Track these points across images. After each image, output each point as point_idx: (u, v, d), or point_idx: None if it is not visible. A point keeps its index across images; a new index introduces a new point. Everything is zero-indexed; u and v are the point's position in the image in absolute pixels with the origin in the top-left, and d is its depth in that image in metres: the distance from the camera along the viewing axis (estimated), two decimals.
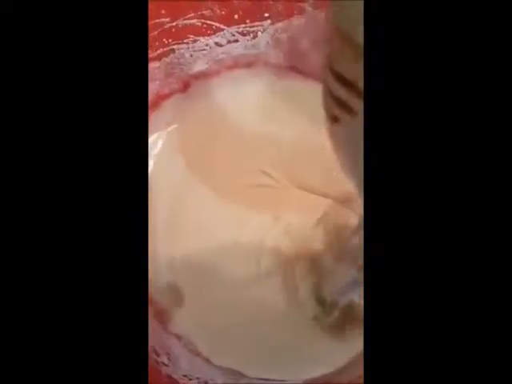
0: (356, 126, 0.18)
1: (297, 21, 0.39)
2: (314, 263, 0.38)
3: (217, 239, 0.39)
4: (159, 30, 0.38)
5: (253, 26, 0.39)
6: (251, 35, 0.40)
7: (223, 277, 0.38)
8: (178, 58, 0.40)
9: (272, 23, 0.39)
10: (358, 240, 0.32)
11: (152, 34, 0.37)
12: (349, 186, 0.24)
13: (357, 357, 0.37)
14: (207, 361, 0.36)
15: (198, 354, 0.37)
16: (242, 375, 0.36)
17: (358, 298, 0.35)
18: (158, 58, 0.39)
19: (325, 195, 0.39)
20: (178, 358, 0.35)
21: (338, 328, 0.37)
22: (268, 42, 0.40)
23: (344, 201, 0.38)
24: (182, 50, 0.39)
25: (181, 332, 0.37)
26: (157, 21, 0.37)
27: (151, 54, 0.38)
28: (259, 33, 0.40)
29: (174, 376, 0.34)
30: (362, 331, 0.18)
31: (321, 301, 0.37)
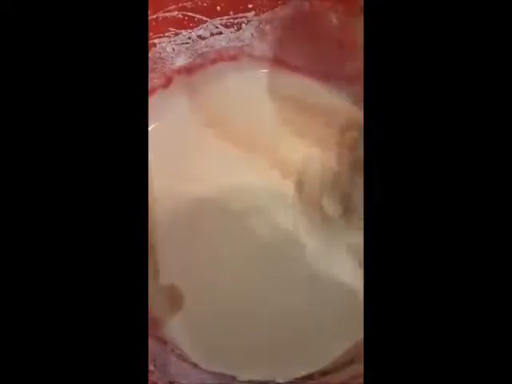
0: None
1: (281, 11, 0.37)
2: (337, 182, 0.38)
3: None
4: None
5: (236, 18, 0.38)
6: (235, 27, 0.38)
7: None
8: (160, 53, 0.38)
9: (256, 14, 0.38)
10: None
11: None
12: None
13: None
14: (195, 366, 0.35)
15: (185, 359, 0.35)
16: (232, 379, 0.35)
17: None
18: None
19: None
20: (165, 364, 0.34)
21: None
22: (252, 34, 0.39)
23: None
24: (164, 44, 0.38)
25: (167, 337, 0.36)
26: None
27: None
28: (243, 24, 0.38)
29: (159, 383, 0.32)
30: None
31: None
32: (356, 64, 0.33)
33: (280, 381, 0.35)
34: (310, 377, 0.36)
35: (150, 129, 0.39)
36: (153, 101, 0.40)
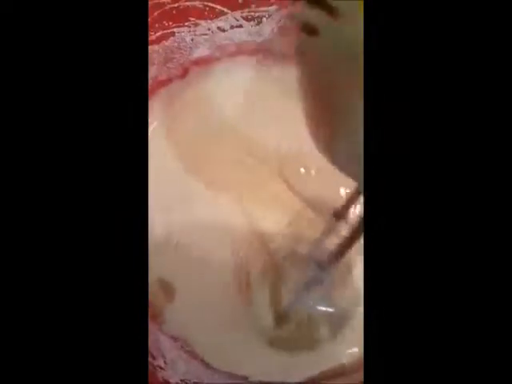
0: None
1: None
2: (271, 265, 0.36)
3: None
4: (159, 11, 0.35)
5: (258, 11, 0.37)
6: (255, 21, 0.38)
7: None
8: (179, 42, 0.38)
9: (277, 9, 0.37)
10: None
11: (152, 15, 0.35)
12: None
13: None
14: (205, 364, 0.34)
15: (195, 356, 0.34)
16: (242, 378, 0.34)
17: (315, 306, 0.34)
18: (158, 41, 0.37)
19: (298, 194, 0.37)
20: (175, 362, 0.33)
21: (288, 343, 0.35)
22: (273, 29, 0.39)
23: (315, 204, 0.37)
24: (183, 34, 0.37)
25: (176, 333, 0.35)
26: (157, 1, 0.35)
27: (150, 37, 0.36)
28: (264, 19, 0.38)
29: (171, 380, 0.31)
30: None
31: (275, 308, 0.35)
32: None
33: (291, 381, 0.35)
34: (319, 378, 0.35)
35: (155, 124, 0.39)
36: (167, 91, 0.39)
